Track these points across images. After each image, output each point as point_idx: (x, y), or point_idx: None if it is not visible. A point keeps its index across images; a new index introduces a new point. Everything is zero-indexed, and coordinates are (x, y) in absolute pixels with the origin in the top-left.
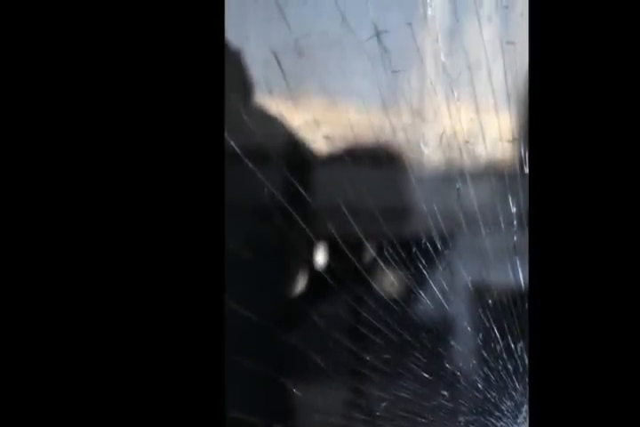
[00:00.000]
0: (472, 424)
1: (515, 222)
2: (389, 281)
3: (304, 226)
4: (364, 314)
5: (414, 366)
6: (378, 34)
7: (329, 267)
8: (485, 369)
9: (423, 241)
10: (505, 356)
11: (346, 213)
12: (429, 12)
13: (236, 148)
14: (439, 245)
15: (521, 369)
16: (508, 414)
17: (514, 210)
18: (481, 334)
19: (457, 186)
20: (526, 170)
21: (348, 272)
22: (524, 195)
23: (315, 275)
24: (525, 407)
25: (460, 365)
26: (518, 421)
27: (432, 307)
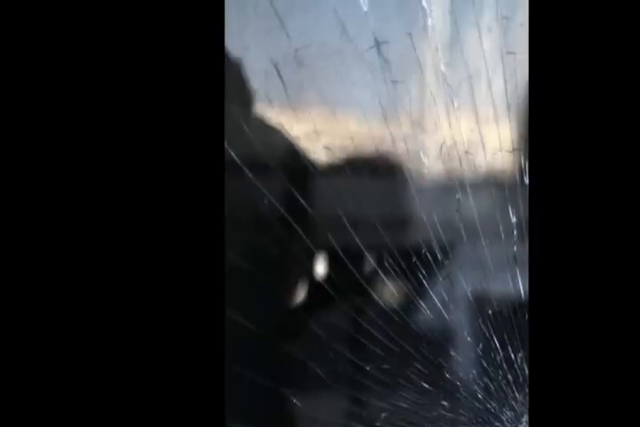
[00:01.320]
0: None
1: (515, 233)
2: (389, 291)
3: (304, 236)
4: (365, 324)
5: (414, 377)
6: (378, 44)
7: (329, 277)
8: (485, 379)
9: (423, 251)
10: (505, 366)
11: (346, 223)
12: (429, 22)
13: (236, 158)
14: (439, 256)
15: (521, 379)
16: (508, 425)
17: (514, 220)
18: (481, 345)
19: (457, 196)
20: (526, 180)
21: (349, 283)
22: (523, 205)
23: (315, 285)
24: (525, 418)
25: (460, 375)
26: None
27: (432, 317)
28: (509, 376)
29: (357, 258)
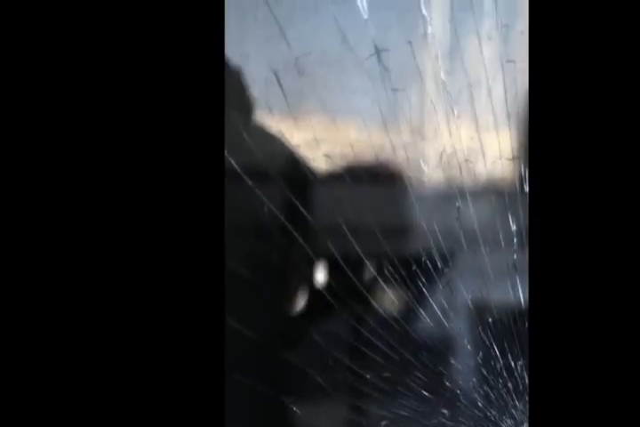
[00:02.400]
0: None
1: (515, 241)
2: (389, 299)
3: (304, 244)
4: (365, 332)
5: (414, 385)
6: (378, 52)
7: (329, 285)
8: (485, 387)
9: (423, 259)
10: (505, 374)
11: (346, 231)
12: (429, 30)
13: (236, 166)
14: (439, 264)
15: (521, 387)
16: None
17: (514, 228)
18: (481, 353)
19: (457, 204)
20: (526, 188)
21: (349, 291)
22: (523, 213)
23: (315, 293)
24: (525, 426)
25: (460, 383)
26: None
27: (432, 325)
28: (509, 384)
29: (357, 266)
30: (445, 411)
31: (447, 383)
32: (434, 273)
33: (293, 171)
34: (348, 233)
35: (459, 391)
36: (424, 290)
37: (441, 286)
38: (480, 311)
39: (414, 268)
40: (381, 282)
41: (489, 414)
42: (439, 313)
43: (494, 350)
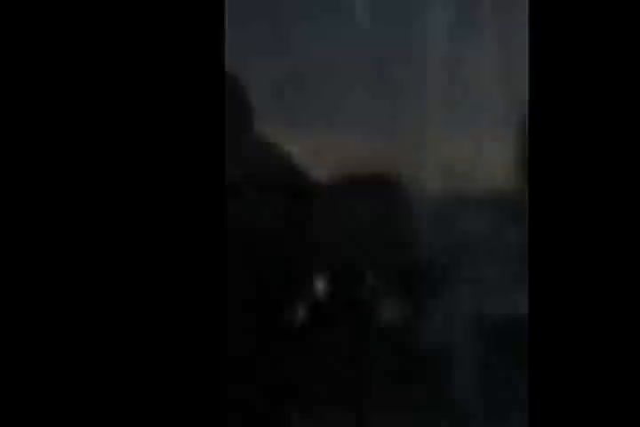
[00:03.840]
0: None
1: (515, 252)
2: (389, 311)
3: (304, 255)
4: (364, 343)
5: (414, 396)
6: (379, 63)
7: (329, 296)
8: (485, 399)
9: (423, 271)
10: (505, 386)
11: (346, 242)
12: (430, 41)
13: (236, 177)
14: (439, 275)
15: (520, 399)
16: None
17: (514, 240)
18: (481, 364)
19: (457, 216)
20: (527, 200)
21: (348, 302)
22: (524, 225)
23: (314, 304)
24: None
25: (460, 394)
26: None
27: (432, 336)
28: (509, 396)
29: (357, 277)
30: (445, 422)
31: (447, 395)
32: (434, 285)
33: (293, 182)
34: (348, 244)
35: (458, 403)
36: (424, 301)
37: (441, 298)
38: (480, 323)
39: (414, 279)
40: (381, 293)
41: (489, 425)
42: (439, 325)
43: (494, 361)
